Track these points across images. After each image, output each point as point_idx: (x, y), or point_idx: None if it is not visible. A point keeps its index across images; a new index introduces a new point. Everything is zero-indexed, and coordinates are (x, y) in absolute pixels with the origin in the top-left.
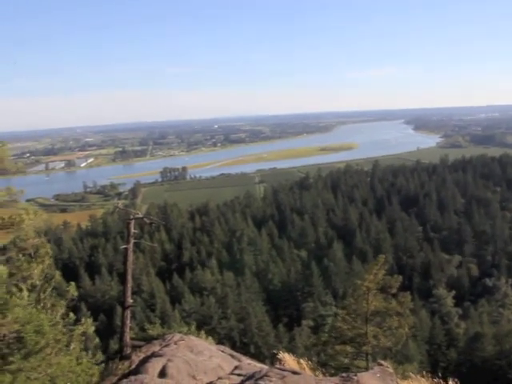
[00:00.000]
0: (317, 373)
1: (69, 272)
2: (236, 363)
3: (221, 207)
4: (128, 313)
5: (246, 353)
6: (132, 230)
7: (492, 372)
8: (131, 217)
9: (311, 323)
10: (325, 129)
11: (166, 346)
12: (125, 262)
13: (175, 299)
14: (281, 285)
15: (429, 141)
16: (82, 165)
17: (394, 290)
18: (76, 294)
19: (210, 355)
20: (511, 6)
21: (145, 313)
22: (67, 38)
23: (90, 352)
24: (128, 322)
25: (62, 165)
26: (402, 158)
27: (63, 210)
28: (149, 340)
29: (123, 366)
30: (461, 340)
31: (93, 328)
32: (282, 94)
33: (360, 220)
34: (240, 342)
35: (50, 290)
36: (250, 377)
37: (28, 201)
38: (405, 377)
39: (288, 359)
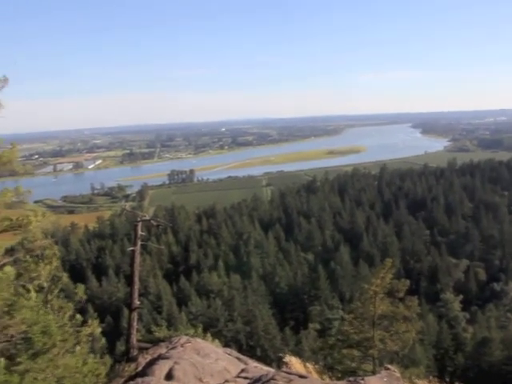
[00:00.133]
0: (323, 376)
1: (76, 273)
2: (242, 366)
3: (228, 210)
4: (135, 315)
5: (253, 356)
6: (139, 232)
7: (500, 377)
8: (138, 219)
9: (318, 326)
10: (333, 132)
11: (173, 348)
12: (132, 264)
13: (182, 301)
14: (287, 288)
15: (436, 145)
16: (90, 166)
17: (401, 294)
18: (85, 296)
19: (217, 358)
20: None
21: (151, 315)
22: (76, 40)
23: (96, 353)
24: (135, 323)
25: (70, 166)
26: (409, 161)
27: (71, 212)
28: (155, 342)
29: (130, 368)
30: (468, 345)
31: (99, 329)
32: (291, 96)
33: (367, 223)
34: (246, 345)
35: (57, 291)
36: (257, 380)
37: (36, 202)
38: (411, 381)
39: (294, 362)
